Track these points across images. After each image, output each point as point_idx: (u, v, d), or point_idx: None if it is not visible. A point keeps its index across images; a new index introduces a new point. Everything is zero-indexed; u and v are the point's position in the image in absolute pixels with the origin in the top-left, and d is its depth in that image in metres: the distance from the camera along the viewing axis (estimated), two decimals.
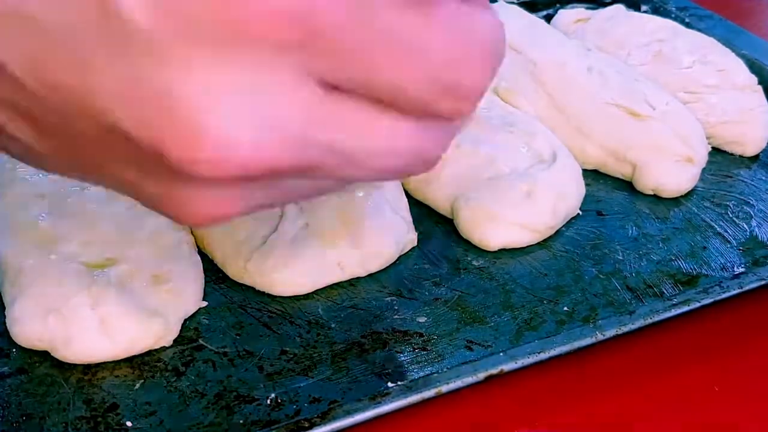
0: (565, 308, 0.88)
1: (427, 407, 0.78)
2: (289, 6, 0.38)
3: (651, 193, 1.06)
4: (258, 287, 0.87)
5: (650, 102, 1.10)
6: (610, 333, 0.84)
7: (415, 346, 0.82)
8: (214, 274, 0.89)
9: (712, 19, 1.42)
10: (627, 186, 1.08)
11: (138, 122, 0.40)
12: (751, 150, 1.15)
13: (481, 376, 0.78)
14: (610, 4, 1.43)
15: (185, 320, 0.83)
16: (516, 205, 0.95)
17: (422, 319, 0.86)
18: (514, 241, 0.95)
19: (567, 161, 1.02)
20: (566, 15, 1.38)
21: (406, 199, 0.98)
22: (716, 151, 1.15)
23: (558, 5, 1.51)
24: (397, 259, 0.92)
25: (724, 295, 0.89)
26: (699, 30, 1.32)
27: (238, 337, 0.82)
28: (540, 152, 1.02)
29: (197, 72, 0.39)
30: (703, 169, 1.09)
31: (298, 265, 0.86)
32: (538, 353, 0.80)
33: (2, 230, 0.83)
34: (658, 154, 1.06)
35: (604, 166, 1.09)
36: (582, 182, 1.03)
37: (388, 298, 0.88)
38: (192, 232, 0.90)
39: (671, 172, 1.05)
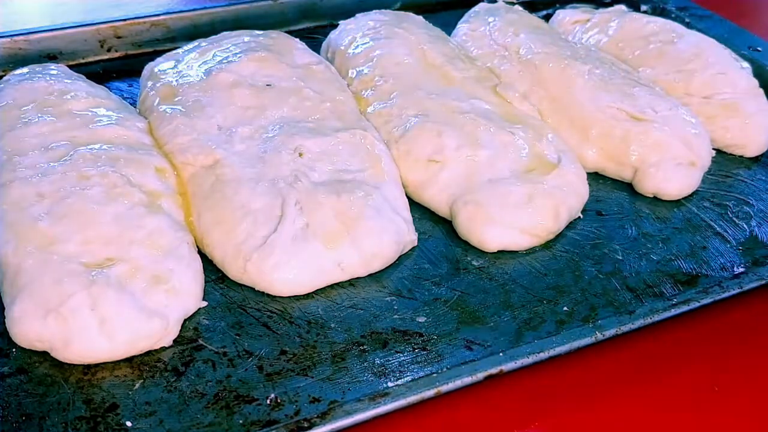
0: (565, 308, 0.88)
1: (427, 407, 0.78)
2: None
3: (651, 196, 1.06)
4: (258, 287, 0.87)
5: (652, 105, 1.09)
6: (610, 333, 0.84)
7: (415, 346, 0.82)
8: (214, 274, 0.89)
9: (712, 19, 1.42)
10: (627, 186, 1.08)
11: None
12: (751, 152, 1.15)
13: (481, 376, 0.78)
14: (610, 4, 1.44)
15: (185, 320, 0.83)
16: (516, 208, 0.94)
17: (422, 319, 0.86)
18: (514, 244, 0.95)
19: (572, 166, 1.01)
20: (566, 15, 1.38)
21: (406, 199, 0.98)
22: (716, 152, 1.15)
23: (558, 5, 1.51)
24: (397, 259, 0.92)
25: (724, 295, 0.90)
26: (699, 30, 1.32)
27: (237, 337, 0.82)
28: (544, 155, 1.02)
29: None
30: None
31: (298, 265, 0.86)
32: (538, 353, 0.80)
33: (2, 230, 0.83)
34: (659, 158, 1.05)
35: (603, 169, 1.09)
36: (587, 187, 1.02)
37: (388, 298, 0.88)
38: (192, 232, 0.90)
39: (673, 176, 1.04)
